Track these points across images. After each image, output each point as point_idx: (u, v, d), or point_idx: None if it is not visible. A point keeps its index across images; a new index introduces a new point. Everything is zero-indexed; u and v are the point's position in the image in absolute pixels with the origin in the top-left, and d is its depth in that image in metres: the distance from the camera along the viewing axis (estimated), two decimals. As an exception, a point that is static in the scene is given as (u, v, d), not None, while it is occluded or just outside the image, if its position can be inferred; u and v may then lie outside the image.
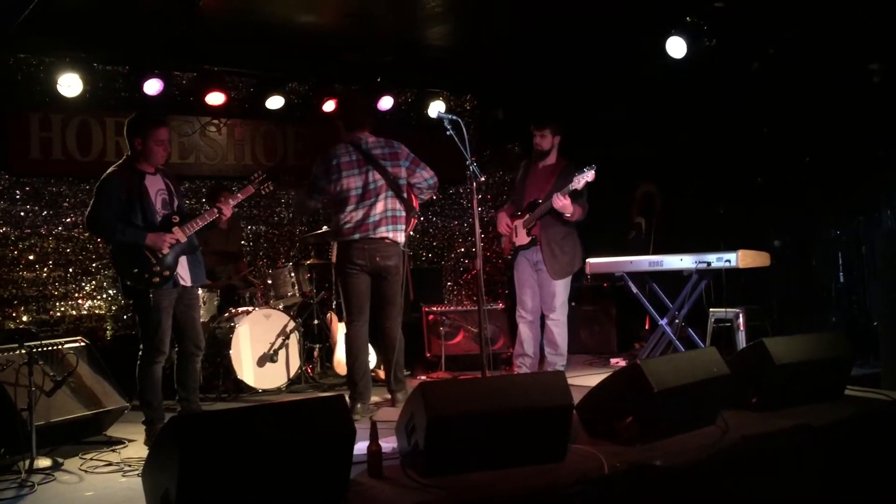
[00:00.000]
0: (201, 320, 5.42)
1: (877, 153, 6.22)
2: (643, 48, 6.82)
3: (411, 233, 5.35)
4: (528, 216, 5.89)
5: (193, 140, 7.76)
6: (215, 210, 4.80)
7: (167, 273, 4.59)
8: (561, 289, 5.84)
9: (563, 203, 5.64)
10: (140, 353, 4.66)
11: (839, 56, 6.25)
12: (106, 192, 4.60)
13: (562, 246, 5.83)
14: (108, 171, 4.69)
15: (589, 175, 5.59)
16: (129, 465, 4.07)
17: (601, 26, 6.73)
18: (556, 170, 5.88)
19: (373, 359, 6.56)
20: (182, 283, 4.70)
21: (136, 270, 4.55)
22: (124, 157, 4.76)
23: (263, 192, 5.21)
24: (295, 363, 6.39)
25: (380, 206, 5.22)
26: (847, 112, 6.34)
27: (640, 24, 6.58)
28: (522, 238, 5.94)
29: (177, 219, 4.68)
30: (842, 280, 6.69)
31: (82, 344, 4.95)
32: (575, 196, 5.69)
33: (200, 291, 5.30)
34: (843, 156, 6.45)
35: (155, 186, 4.71)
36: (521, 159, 6.53)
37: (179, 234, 4.64)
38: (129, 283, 4.52)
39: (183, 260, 4.72)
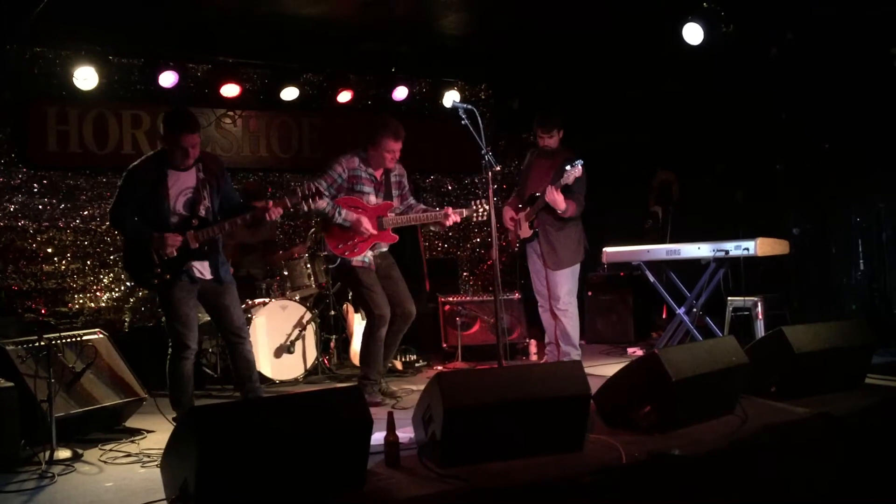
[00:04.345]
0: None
1: (897, 139, 6.15)
2: (660, 34, 6.75)
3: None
4: (528, 209, 5.88)
5: (208, 132, 7.76)
6: (237, 220, 4.63)
7: (168, 276, 4.52)
8: (566, 278, 5.80)
9: (553, 197, 5.64)
10: (169, 348, 4.67)
11: (859, 41, 6.17)
12: (124, 187, 4.58)
13: (560, 238, 5.80)
14: (134, 163, 4.65)
15: (576, 170, 5.57)
16: (148, 456, 4.09)
17: (617, 14, 6.68)
18: (556, 162, 5.84)
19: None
20: (200, 276, 4.62)
21: (136, 268, 4.58)
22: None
23: (306, 209, 4.88)
24: (312, 354, 6.41)
25: None
26: (866, 97, 6.26)
27: (657, 11, 6.51)
28: (526, 231, 5.94)
29: (195, 222, 4.56)
30: (862, 267, 6.62)
31: (101, 336, 4.97)
32: (567, 190, 5.66)
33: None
34: (862, 142, 6.37)
35: (180, 185, 4.57)
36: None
37: (191, 240, 4.53)
38: (127, 277, 4.49)
39: (206, 260, 4.65)
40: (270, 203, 4.64)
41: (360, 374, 5.42)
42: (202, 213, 4.61)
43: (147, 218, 4.52)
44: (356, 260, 5.28)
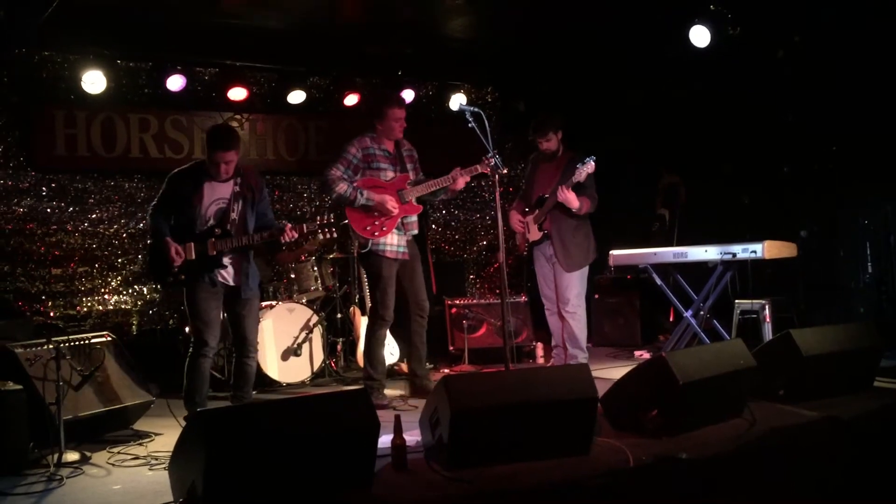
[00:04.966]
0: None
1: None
2: (666, 37, 6.75)
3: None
4: (537, 212, 5.87)
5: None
6: (256, 237, 4.79)
7: (182, 277, 4.72)
8: (575, 281, 5.80)
9: (566, 196, 5.62)
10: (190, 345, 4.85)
11: (865, 43, 6.16)
12: (165, 188, 4.84)
13: (573, 239, 5.79)
14: (177, 169, 4.89)
15: (589, 166, 5.56)
16: (156, 459, 4.10)
17: (623, 16, 6.67)
18: (562, 163, 5.84)
19: (396, 353, 6.58)
20: (223, 281, 4.79)
21: (156, 265, 4.78)
22: None
23: (322, 238, 5.00)
24: (319, 357, 6.42)
25: None
26: (873, 100, 6.24)
27: (663, 13, 6.51)
28: (535, 234, 5.92)
29: (219, 231, 4.73)
30: (870, 270, 6.60)
31: (109, 338, 4.98)
32: (579, 188, 5.66)
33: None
34: (870, 144, 6.35)
35: (215, 195, 4.78)
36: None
37: (209, 248, 4.71)
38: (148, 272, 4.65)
39: (228, 264, 4.80)
40: (288, 226, 4.79)
41: (364, 375, 5.42)
42: (229, 224, 4.77)
43: (179, 222, 4.76)
44: (391, 250, 5.25)
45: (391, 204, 5.19)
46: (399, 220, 5.28)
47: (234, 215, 4.79)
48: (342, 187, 5.16)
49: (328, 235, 4.89)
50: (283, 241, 4.84)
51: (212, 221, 4.76)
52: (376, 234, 5.22)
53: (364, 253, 5.31)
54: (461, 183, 5.26)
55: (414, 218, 5.41)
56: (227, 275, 4.81)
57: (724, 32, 6.38)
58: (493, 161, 5.04)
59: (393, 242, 5.27)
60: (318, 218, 4.90)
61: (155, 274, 4.91)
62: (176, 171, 4.88)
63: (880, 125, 6.26)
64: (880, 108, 6.22)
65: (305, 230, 4.85)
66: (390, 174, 5.33)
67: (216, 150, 4.69)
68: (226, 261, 4.77)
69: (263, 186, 5.01)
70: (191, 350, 4.80)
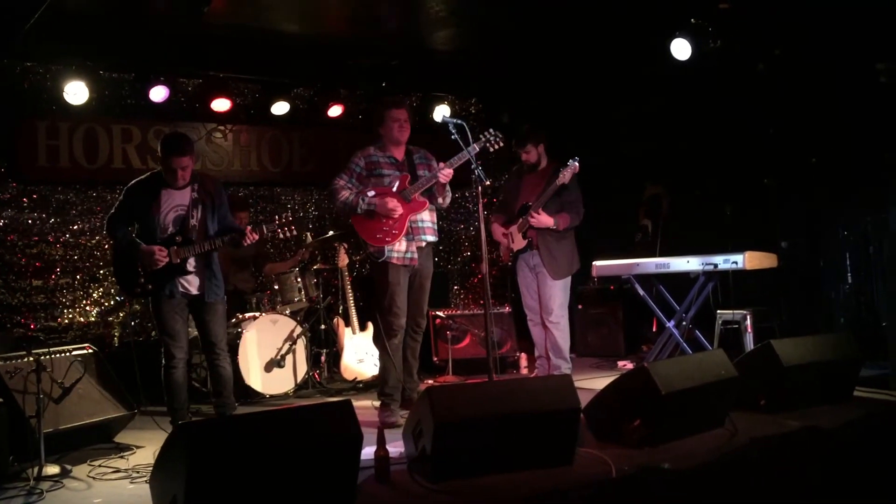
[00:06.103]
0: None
1: (884, 154, 6.19)
2: (648, 50, 6.81)
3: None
4: (521, 220, 5.89)
5: (199, 146, 7.71)
6: (218, 241, 4.82)
7: (150, 287, 4.75)
8: (558, 291, 5.82)
9: (538, 220, 5.70)
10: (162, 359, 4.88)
11: (846, 56, 6.23)
12: (122, 199, 4.87)
13: (558, 246, 5.83)
14: (135, 180, 4.93)
15: (573, 166, 5.60)
16: (138, 472, 4.08)
17: (606, 29, 6.73)
18: (546, 173, 5.90)
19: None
20: (184, 291, 4.81)
21: (123, 277, 4.84)
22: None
23: (282, 236, 5.03)
24: (302, 368, 6.40)
25: None
26: (854, 112, 6.32)
27: (644, 26, 6.56)
28: (519, 242, 5.93)
29: (179, 239, 4.77)
30: (849, 281, 6.66)
31: (90, 351, 4.97)
32: (563, 192, 5.69)
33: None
34: (850, 156, 6.42)
35: (172, 202, 4.81)
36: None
37: (172, 256, 4.73)
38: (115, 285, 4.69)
39: (191, 271, 4.82)
40: (248, 228, 4.86)
41: (378, 391, 5.32)
42: (189, 231, 4.80)
43: (139, 231, 4.78)
44: (398, 256, 5.15)
45: (392, 203, 5.09)
46: (407, 223, 5.18)
47: (193, 221, 4.82)
48: (344, 195, 5.13)
49: (287, 234, 4.94)
50: (244, 244, 4.88)
51: (171, 229, 4.80)
52: (387, 240, 5.12)
53: (375, 264, 5.21)
54: (442, 177, 5.14)
55: (424, 222, 5.26)
56: (190, 283, 4.84)
57: (704, 46, 6.44)
58: (475, 173, 5.01)
59: (401, 249, 5.17)
60: (277, 218, 4.94)
61: (123, 284, 4.94)
62: (133, 182, 4.91)
63: (860, 138, 6.33)
64: (859, 120, 6.30)
65: (266, 230, 4.92)
66: (393, 179, 5.26)
67: (171, 156, 4.73)
68: (190, 268, 4.80)
69: (222, 191, 5.05)
70: (163, 364, 4.85)
